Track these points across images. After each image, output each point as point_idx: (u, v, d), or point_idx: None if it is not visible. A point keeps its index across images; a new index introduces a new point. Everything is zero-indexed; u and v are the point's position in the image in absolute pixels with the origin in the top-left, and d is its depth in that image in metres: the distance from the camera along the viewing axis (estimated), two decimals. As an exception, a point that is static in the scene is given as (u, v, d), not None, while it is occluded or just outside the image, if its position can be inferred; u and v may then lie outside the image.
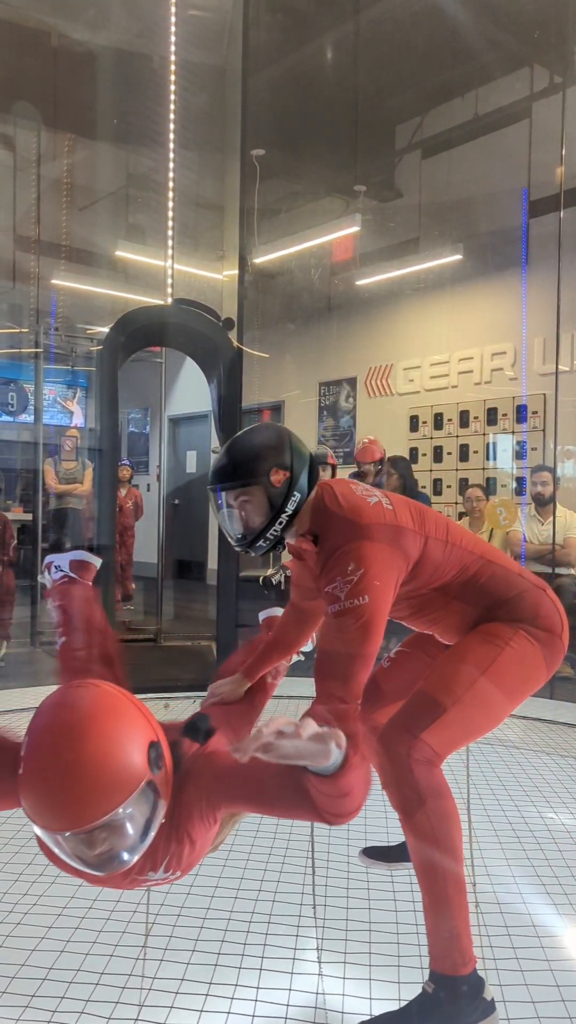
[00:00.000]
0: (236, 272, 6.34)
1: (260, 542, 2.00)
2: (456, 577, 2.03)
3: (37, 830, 1.36)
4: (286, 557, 2.68)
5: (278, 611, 2.70)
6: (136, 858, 1.42)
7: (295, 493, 1.96)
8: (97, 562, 2.51)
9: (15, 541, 6.53)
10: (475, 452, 7.88)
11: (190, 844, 1.57)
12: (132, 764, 1.35)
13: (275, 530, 1.98)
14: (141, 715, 1.43)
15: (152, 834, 1.42)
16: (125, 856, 1.39)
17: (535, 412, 7.34)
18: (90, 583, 2.46)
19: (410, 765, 1.83)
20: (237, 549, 2.05)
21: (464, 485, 7.58)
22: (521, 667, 1.96)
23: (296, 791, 1.44)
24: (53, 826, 1.31)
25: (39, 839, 1.46)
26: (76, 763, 1.30)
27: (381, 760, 1.89)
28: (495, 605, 2.02)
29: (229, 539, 2.06)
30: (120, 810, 1.32)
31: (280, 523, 1.97)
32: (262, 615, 2.75)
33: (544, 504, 6.12)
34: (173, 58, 5.57)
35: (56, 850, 1.39)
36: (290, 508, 1.96)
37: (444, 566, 2.01)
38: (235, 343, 5.63)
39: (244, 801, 1.56)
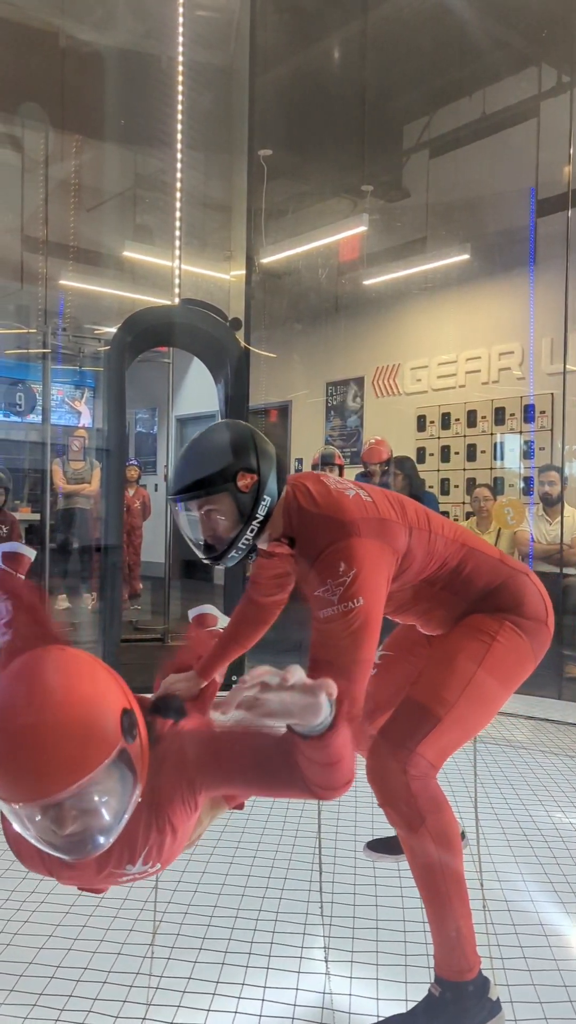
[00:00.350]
0: (243, 272, 6.34)
1: (232, 553, 1.88)
2: (441, 568, 1.97)
3: (4, 809, 1.22)
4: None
5: (208, 608, 2.64)
6: (110, 842, 1.29)
7: (265, 497, 1.84)
8: (31, 554, 2.44)
9: (22, 541, 6.55)
10: (482, 452, 7.86)
11: (171, 833, 1.45)
12: (104, 728, 1.22)
13: (247, 539, 1.86)
14: (113, 680, 1.31)
15: (127, 815, 1.30)
16: (99, 839, 1.26)
17: (543, 412, 7.32)
18: (23, 576, 2.38)
19: (407, 783, 1.77)
20: (206, 562, 1.92)
21: (471, 485, 7.57)
22: (509, 661, 1.91)
23: (284, 766, 1.33)
24: (20, 797, 1.18)
25: (6, 831, 1.35)
26: (42, 723, 1.18)
27: (377, 778, 1.82)
28: (481, 595, 1.97)
29: (196, 552, 1.93)
30: (92, 779, 1.20)
31: (252, 531, 1.85)
32: (192, 612, 2.66)
33: (552, 504, 6.11)
34: (180, 58, 5.58)
35: (24, 833, 1.25)
36: (261, 513, 1.84)
37: (429, 557, 1.94)
38: (242, 343, 5.63)
39: (229, 781, 1.45)
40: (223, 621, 2.54)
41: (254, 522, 1.85)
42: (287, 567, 1.96)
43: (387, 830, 2.57)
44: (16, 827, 1.25)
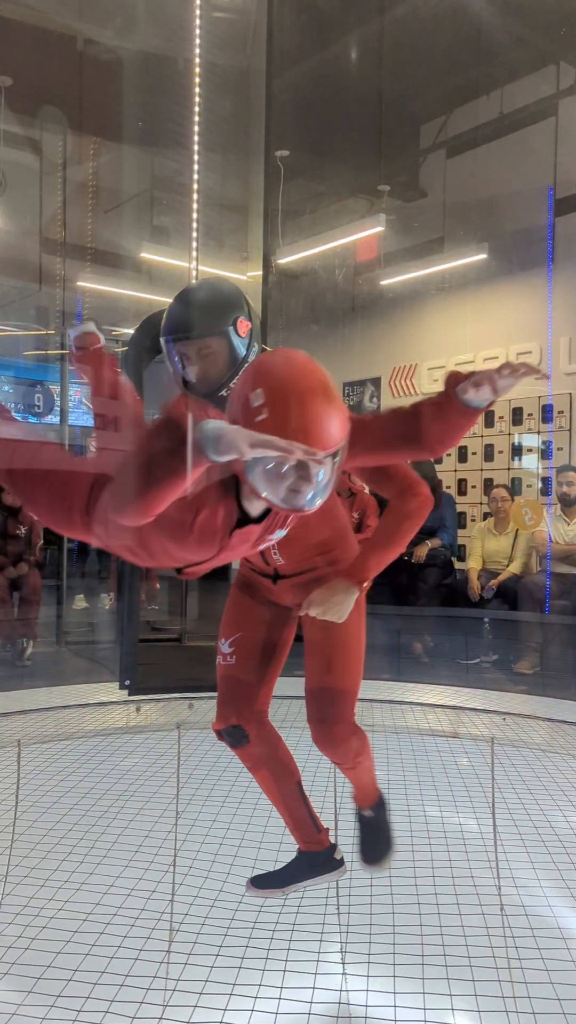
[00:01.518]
0: (260, 273, 6.34)
1: (222, 392, 1.88)
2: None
3: (257, 465, 1.44)
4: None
5: (90, 326, 2.44)
6: (318, 505, 1.54)
7: (254, 344, 1.93)
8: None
9: (41, 541, 6.59)
10: (500, 452, 7.84)
11: None
12: None
13: (234, 383, 1.82)
14: None
15: (330, 491, 1.57)
16: (315, 500, 1.51)
17: (561, 412, 7.29)
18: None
19: (354, 745, 2.09)
20: None
21: (489, 485, 7.55)
22: (364, 611, 2.13)
23: (405, 435, 1.69)
24: (323, 440, 1.44)
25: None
26: (331, 387, 1.51)
27: (331, 748, 2.08)
28: (339, 534, 2.09)
29: (180, 390, 1.93)
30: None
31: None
32: (72, 334, 2.44)
33: (570, 504, 6.09)
34: (197, 60, 5.58)
35: (265, 488, 1.47)
36: (252, 359, 1.89)
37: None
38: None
39: (364, 450, 1.70)
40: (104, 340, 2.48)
41: (244, 367, 1.87)
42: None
43: (402, 844, 2.57)
44: (261, 486, 1.47)
